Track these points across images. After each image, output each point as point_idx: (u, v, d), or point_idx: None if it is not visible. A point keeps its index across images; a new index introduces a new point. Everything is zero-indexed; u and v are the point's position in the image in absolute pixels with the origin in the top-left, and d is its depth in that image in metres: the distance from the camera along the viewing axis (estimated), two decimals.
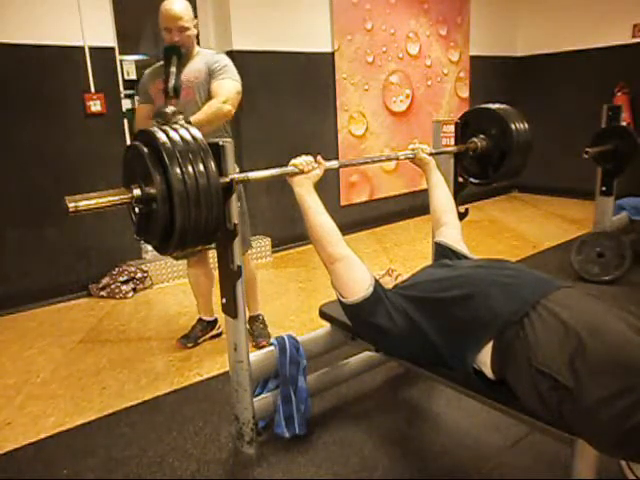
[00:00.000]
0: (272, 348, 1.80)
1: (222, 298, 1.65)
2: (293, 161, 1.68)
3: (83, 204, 1.29)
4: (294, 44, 4.14)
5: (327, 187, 4.45)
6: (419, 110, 5.21)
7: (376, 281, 1.57)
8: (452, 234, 1.89)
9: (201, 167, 1.35)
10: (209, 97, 2.29)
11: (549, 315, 1.24)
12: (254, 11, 3.88)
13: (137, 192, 1.35)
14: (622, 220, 3.42)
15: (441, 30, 5.24)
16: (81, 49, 3.23)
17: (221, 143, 1.48)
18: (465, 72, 5.59)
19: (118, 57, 3.45)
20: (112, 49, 3.38)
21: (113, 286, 3.38)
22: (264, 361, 1.77)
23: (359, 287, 1.54)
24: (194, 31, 2.33)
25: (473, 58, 5.60)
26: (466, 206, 2.21)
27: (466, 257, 1.80)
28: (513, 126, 2.17)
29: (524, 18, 5.96)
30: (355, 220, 4.76)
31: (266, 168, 1.68)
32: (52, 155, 3.23)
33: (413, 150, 2.05)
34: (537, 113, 5.23)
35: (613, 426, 1.06)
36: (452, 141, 2.25)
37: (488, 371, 1.35)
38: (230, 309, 1.63)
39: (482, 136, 2.24)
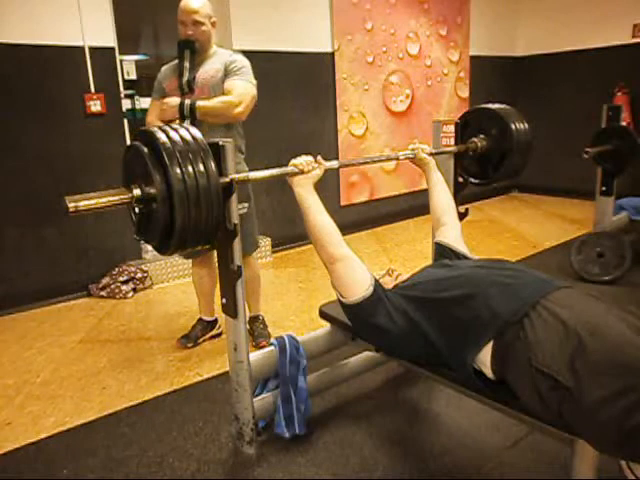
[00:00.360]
0: (272, 348, 1.80)
1: (222, 298, 1.65)
2: (293, 161, 1.68)
3: (83, 204, 1.29)
4: (294, 44, 4.14)
5: (327, 187, 4.45)
6: (419, 110, 5.21)
7: (376, 281, 1.58)
8: (452, 234, 1.88)
9: (201, 167, 1.35)
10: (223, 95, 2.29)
11: (549, 315, 1.24)
12: (254, 11, 3.88)
13: (137, 192, 1.35)
14: (622, 220, 3.42)
15: (441, 30, 5.24)
16: (81, 49, 3.23)
17: (221, 143, 1.48)
18: (465, 72, 5.59)
19: (118, 57, 3.45)
20: (112, 49, 3.38)
21: (113, 286, 3.38)
22: (264, 361, 1.77)
23: (359, 287, 1.54)
24: (210, 28, 2.33)
25: (473, 58, 5.60)
26: (466, 206, 2.22)
27: (466, 257, 1.80)
28: (513, 126, 2.17)
29: (524, 18, 5.96)
30: (355, 220, 4.76)
31: (266, 168, 1.68)
32: (52, 155, 3.23)
33: (413, 150, 2.05)
34: (537, 113, 5.24)
35: (613, 426, 1.06)
36: (452, 141, 2.25)
37: (488, 371, 1.35)
38: (230, 309, 1.63)
39: (482, 136, 2.24)
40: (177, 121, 2.19)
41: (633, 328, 1.16)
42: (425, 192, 2.10)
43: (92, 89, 3.28)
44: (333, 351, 1.97)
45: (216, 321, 2.70)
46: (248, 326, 2.44)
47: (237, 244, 1.57)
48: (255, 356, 1.75)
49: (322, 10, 4.29)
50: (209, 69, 2.32)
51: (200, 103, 2.17)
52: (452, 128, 2.25)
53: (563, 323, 1.20)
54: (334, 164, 1.84)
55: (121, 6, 3.44)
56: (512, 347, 1.27)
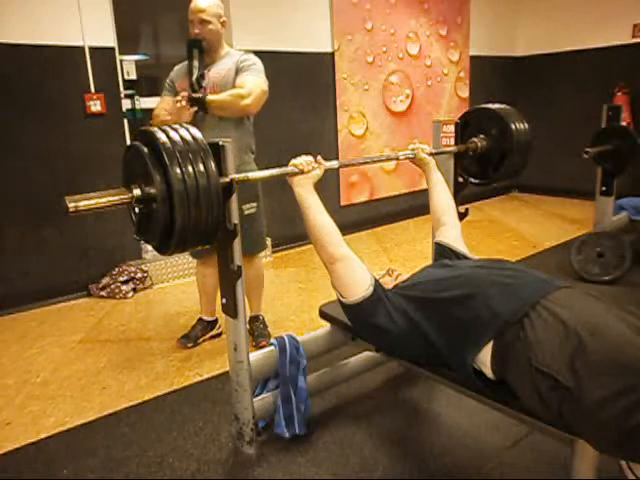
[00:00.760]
0: (272, 348, 1.80)
1: (222, 298, 1.65)
2: (293, 161, 1.68)
3: (83, 204, 1.29)
4: (294, 44, 4.14)
5: (327, 187, 4.45)
6: (419, 110, 5.21)
7: (376, 281, 1.58)
8: (452, 234, 1.88)
9: (201, 167, 1.35)
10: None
11: (549, 315, 1.24)
12: (254, 11, 3.88)
13: (137, 192, 1.35)
14: (622, 220, 3.42)
15: (441, 30, 5.24)
16: (81, 49, 3.23)
17: (221, 143, 1.48)
18: (465, 72, 5.59)
19: (118, 57, 3.45)
20: (112, 49, 3.38)
21: (113, 286, 3.38)
22: (264, 361, 1.77)
23: (359, 287, 1.54)
24: (219, 27, 2.34)
25: (473, 58, 5.60)
26: (466, 206, 2.22)
27: (466, 257, 1.80)
28: (513, 126, 2.17)
29: (524, 18, 5.96)
30: (355, 220, 4.76)
31: (266, 168, 1.68)
32: (52, 155, 3.23)
33: (413, 150, 2.05)
34: (537, 113, 5.24)
35: (613, 426, 1.06)
36: (452, 141, 2.25)
37: (488, 371, 1.35)
38: (230, 309, 1.63)
39: (482, 136, 2.24)
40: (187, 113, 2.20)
41: (633, 328, 1.16)
42: (425, 192, 2.10)
43: (92, 89, 3.28)
44: (333, 351, 1.97)
45: (216, 321, 2.70)
46: (248, 326, 2.44)
47: (237, 244, 1.57)
48: (255, 356, 1.75)
49: (322, 10, 4.29)
50: (221, 69, 2.34)
51: (210, 97, 2.18)
52: (452, 128, 2.25)
53: (563, 323, 1.20)
54: (334, 164, 1.84)
55: (121, 6, 3.44)
56: (512, 347, 1.27)
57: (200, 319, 2.68)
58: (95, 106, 3.29)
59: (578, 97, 5.46)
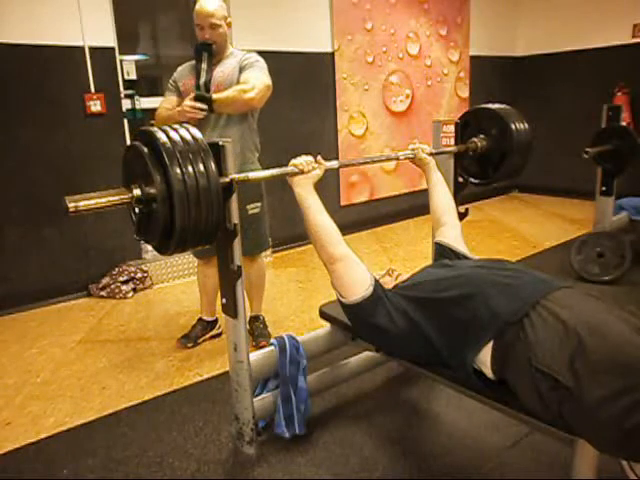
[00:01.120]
0: (272, 348, 1.80)
1: (222, 298, 1.65)
2: (293, 161, 1.68)
3: (83, 204, 1.29)
4: (294, 44, 4.14)
5: (327, 187, 4.45)
6: (419, 110, 5.21)
7: (376, 281, 1.58)
8: (452, 234, 1.88)
9: (201, 167, 1.35)
10: None
11: (549, 315, 1.24)
12: (254, 11, 3.88)
13: (137, 192, 1.36)
14: (622, 220, 3.42)
15: (441, 30, 5.23)
16: (81, 49, 3.23)
17: (221, 143, 1.48)
18: (465, 72, 5.59)
19: (118, 57, 3.45)
20: (112, 49, 3.38)
21: (113, 286, 3.38)
22: (264, 361, 1.77)
23: (359, 287, 1.54)
24: (226, 29, 2.35)
25: (473, 58, 5.60)
26: (466, 206, 2.22)
27: (466, 257, 1.80)
28: (513, 126, 2.17)
29: (524, 18, 5.96)
30: (355, 220, 4.76)
31: (266, 168, 1.68)
32: (52, 155, 3.23)
33: (413, 150, 2.05)
34: (537, 113, 5.24)
35: (613, 425, 1.06)
36: (452, 141, 2.25)
37: (488, 371, 1.35)
38: (230, 309, 1.63)
39: (482, 136, 2.24)
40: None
41: (633, 328, 1.16)
42: (425, 192, 2.10)
43: (92, 89, 3.28)
44: (333, 351, 1.97)
45: (216, 321, 2.70)
46: (248, 326, 2.44)
47: (237, 244, 1.58)
48: (255, 356, 1.75)
49: (322, 10, 4.29)
50: (225, 69, 2.34)
51: (215, 96, 2.18)
52: (452, 128, 2.25)
53: (563, 323, 1.20)
54: (334, 164, 1.84)
55: (121, 6, 3.44)
56: (512, 347, 1.27)
57: (200, 319, 2.68)
58: (95, 106, 3.29)
59: (578, 97, 5.46)
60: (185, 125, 1.44)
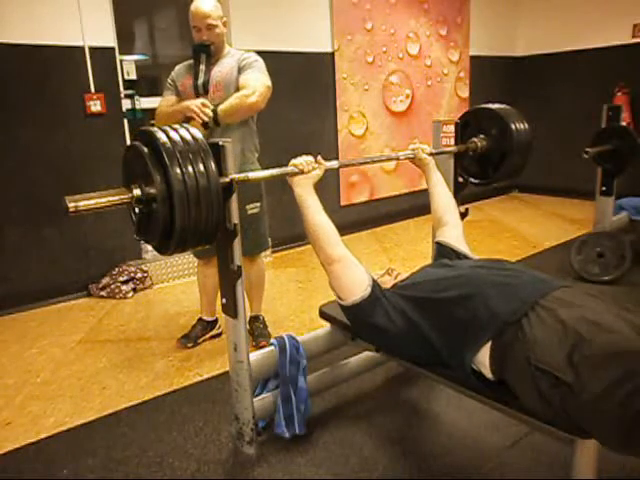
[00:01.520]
0: (272, 348, 1.80)
1: (222, 298, 1.65)
2: (293, 161, 1.68)
3: (83, 204, 1.29)
4: (294, 44, 4.14)
5: (327, 187, 4.45)
6: (419, 110, 5.21)
7: (374, 281, 1.58)
8: (454, 234, 1.89)
9: (201, 167, 1.35)
10: (237, 91, 2.29)
11: (548, 315, 1.25)
12: (254, 11, 3.88)
13: (137, 192, 1.36)
14: (622, 220, 3.42)
15: (441, 30, 5.23)
16: (81, 49, 3.23)
17: (221, 143, 1.48)
18: (465, 72, 5.59)
19: (118, 57, 3.45)
20: (112, 49, 3.38)
21: (113, 286, 3.38)
22: (264, 361, 1.77)
23: (357, 288, 1.55)
24: (223, 29, 2.34)
25: (473, 58, 5.60)
26: (466, 206, 2.22)
27: (467, 257, 1.80)
28: (513, 126, 2.17)
29: (524, 18, 5.96)
30: (355, 220, 4.76)
31: (266, 168, 1.68)
32: (52, 155, 3.23)
33: (413, 150, 2.05)
34: (537, 113, 5.24)
35: (617, 415, 1.06)
36: (452, 141, 2.25)
37: (487, 372, 1.35)
38: (230, 309, 1.63)
39: (482, 136, 2.24)
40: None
41: (631, 326, 1.17)
42: (425, 192, 2.10)
43: (92, 89, 3.28)
44: (333, 351, 1.97)
45: (216, 321, 2.70)
46: (248, 326, 2.44)
47: (237, 244, 1.58)
48: (255, 356, 1.75)
49: (322, 10, 4.29)
50: (222, 68, 2.34)
51: (219, 108, 2.17)
52: (452, 128, 2.25)
53: (562, 322, 1.21)
54: (334, 164, 1.84)
55: (121, 6, 3.44)
56: (510, 347, 1.28)
57: (200, 319, 2.68)
58: (95, 106, 3.29)
59: (578, 97, 5.46)
60: (185, 125, 1.44)
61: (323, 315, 1.99)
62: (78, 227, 3.32)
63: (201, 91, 2.29)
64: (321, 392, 1.99)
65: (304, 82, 4.29)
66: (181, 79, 2.41)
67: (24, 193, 3.17)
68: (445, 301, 1.44)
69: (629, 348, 1.11)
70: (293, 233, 4.14)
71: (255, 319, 2.66)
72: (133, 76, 3.62)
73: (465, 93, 5.64)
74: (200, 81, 2.28)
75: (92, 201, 1.31)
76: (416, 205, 5.01)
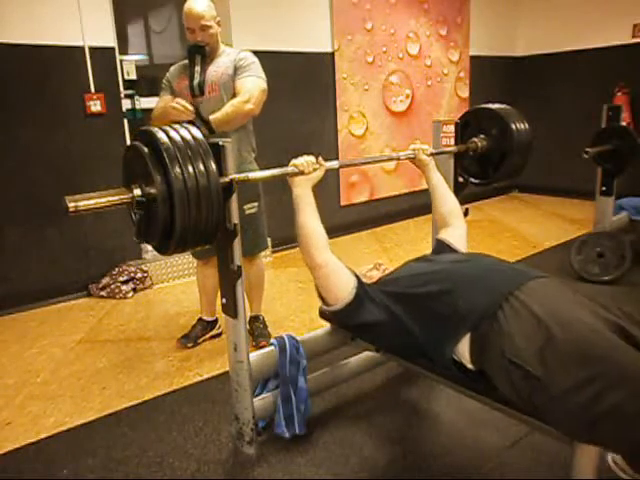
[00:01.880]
0: (272, 348, 1.80)
1: (222, 298, 1.65)
2: (294, 161, 1.68)
3: (83, 204, 1.29)
4: (294, 44, 4.14)
5: (327, 187, 4.44)
6: (419, 110, 5.21)
7: (358, 281, 1.60)
8: (456, 234, 1.91)
9: (201, 167, 1.35)
10: (234, 94, 2.29)
11: (521, 307, 1.29)
12: (254, 11, 3.88)
13: (137, 192, 1.36)
14: (622, 220, 3.42)
15: (441, 30, 5.23)
16: (81, 49, 3.23)
17: (221, 143, 1.48)
18: (465, 72, 5.59)
19: (118, 57, 3.45)
20: (112, 49, 3.38)
21: (113, 286, 3.38)
22: (264, 361, 1.77)
23: (342, 293, 1.57)
24: (217, 29, 2.33)
25: (473, 58, 5.60)
26: (466, 206, 2.21)
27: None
28: (513, 126, 2.17)
29: (524, 18, 5.96)
30: (355, 220, 4.75)
31: (266, 168, 1.68)
32: (52, 155, 3.23)
33: (414, 150, 2.05)
34: (537, 113, 5.24)
35: (581, 413, 1.10)
36: (452, 141, 2.25)
37: (467, 362, 1.39)
38: (230, 309, 1.63)
39: (482, 136, 2.24)
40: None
41: (601, 319, 1.21)
42: (425, 192, 2.10)
43: (92, 89, 3.28)
44: (333, 351, 1.97)
45: (216, 321, 2.70)
46: (248, 326, 2.44)
47: (237, 244, 1.58)
48: (255, 356, 1.75)
49: (322, 10, 4.29)
50: (218, 68, 2.33)
51: (212, 117, 2.16)
52: (452, 128, 2.25)
53: (534, 315, 1.25)
54: (334, 164, 1.84)
55: (121, 6, 3.44)
56: (487, 339, 1.32)
57: (200, 319, 2.68)
58: (95, 106, 3.29)
59: (578, 97, 5.46)
60: (185, 125, 1.44)
61: (323, 315, 1.98)
62: (78, 227, 3.32)
63: (197, 92, 2.27)
64: (321, 392, 1.99)
65: (304, 82, 4.29)
66: (176, 80, 2.40)
67: (24, 193, 3.17)
68: (424, 295, 1.48)
69: (598, 348, 1.14)
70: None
71: (255, 319, 2.66)
72: (133, 76, 3.62)
73: (465, 93, 5.64)
74: (195, 82, 2.27)
75: (92, 201, 1.31)
76: (416, 205, 5.01)
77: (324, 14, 4.31)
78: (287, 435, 1.76)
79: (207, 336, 2.67)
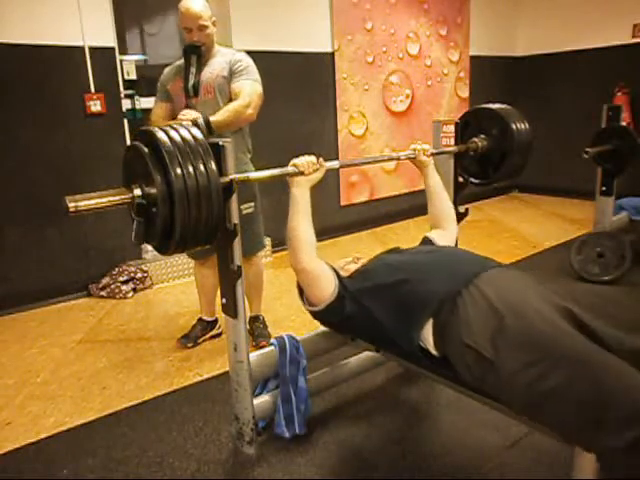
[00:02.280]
0: (272, 348, 1.80)
1: (222, 298, 1.65)
2: (294, 161, 1.68)
3: (83, 204, 1.29)
4: (294, 44, 4.14)
5: (327, 187, 4.45)
6: (419, 110, 5.21)
7: (339, 279, 1.64)
8: (446, 235, 1.97)
9: (201, 167, 1.35)
10: (230, 97, 2.29)
11: (478, 294, 1.38)
12: (254, 11, 3.88)
13: (137, 192, 1.36)
14: (622, 220, 3.41)
15: (441, 30, 5.23)
16: (81, 49, 3.23)
17: (221, 143, 1.48)
18: (465, 72, 5.59)
19: (118, 57, 3.45)
20: (112, 49, 3.38)
21: (113, 286, 3.38)
22: (264, 361, 1.77)
23: (325, 294, 1.62)
24: (213, 29, 2.32)
25: (473, 58, 5.60)
26: (466, 206, 2.22)
27: None
28: (514, 126, 2.17)
29: (524, 18, 5.96)
30: (355, 220, 4.75)
31: (266, 168, 1.68)
32: (52, 155, 3.23)
33: (414, 150, 2.05)
34: (537, 113, 5.23)
35: (526, 392, 1.20)
36: (452, 141, 2.25)
37: (432, 348, 1.45)
38: (230, 309, 1.63)
39: (482, 136, 2.24)
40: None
41: (554, 306, 1.30)
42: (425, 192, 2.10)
43: (92, 89, 3.28)
44: (333, 351, 1.97)
45: (216, 321, 2.70)
46: (248, 326, 2.44)
47: (237, 244, 1.58)
48: (255, 356, 1.75)
49: (322, 10, 4.29)
50: (213, 69, 2.32)
51: (213, 118, 2.16)
52: (452, 128, 2.25)
53: (489, 302, 1.34)
54: (334, 164, 1.84)
55: (121, 6, 3.44)
56: (447, 324, 1.40)
57: (200, 319, 2.68)
58: (95, 106, 3.29)
59: (578, 97, 5.46)
60: (185, 125, 1.44)
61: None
62: (78, 227, 3.32)
63: (191, 93, 2.27)
64: (321, 392, 1.99)
65: (304, 82, 4.29)
66: (170, 83, 2.39)
67: (24, 193, 3.17)
68: (391, 285, 1.55)
69: (544, 333, 1.22)
70: None
71: (255, 319, 2.66)
72: (133, 76, 3.62)
73: (465, 93, 5.64)
74: (190, 83, 2.26)
75: (92, 201, 1.31)
76: (416, 205, 5.00)
77: (324, 14, 4.31)
78: (287, 435, 1.76)
79: (207, 336, 2.67)
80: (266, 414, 1.80)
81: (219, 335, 2.70)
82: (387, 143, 4.98)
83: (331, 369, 2.00)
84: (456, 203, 2.25)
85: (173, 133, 1.37)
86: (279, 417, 1.76)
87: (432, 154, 2.08)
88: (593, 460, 1.24)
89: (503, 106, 2.29)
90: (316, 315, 1.70)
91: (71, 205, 1.27)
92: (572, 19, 5.50)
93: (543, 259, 3.81)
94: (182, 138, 1.37)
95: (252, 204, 2.42)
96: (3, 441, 1.90)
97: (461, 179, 2.32)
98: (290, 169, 1.66)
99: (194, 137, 1.39)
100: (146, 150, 1.34)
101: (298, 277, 1.69)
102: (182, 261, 3.64)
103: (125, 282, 3.41)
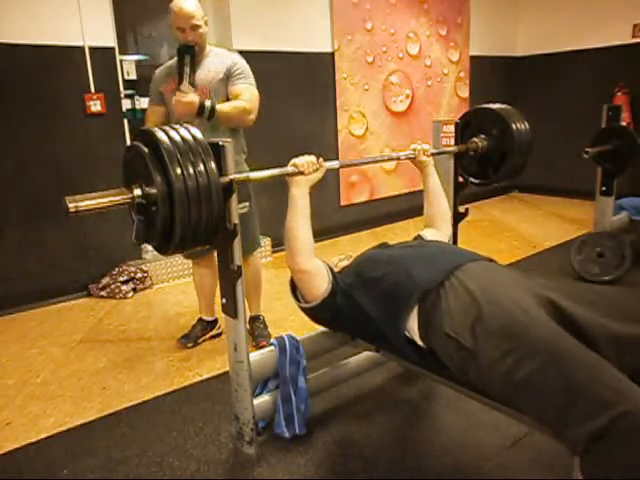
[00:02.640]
0: (272, 348, 1.80)
1: (222, 298, 1.65)
2: (294, 160, 1.68)
3: (83, 204, 1.29)
4: (294, 44, 4.14)
5: (327, 187, 4.44)
6: (419, 110, 5.21)
7: (333, 276, 1.65)
8: (438, 235, 1.98)
9: (201, 167, 1.35)
10: (225, 99, 2.29)
11: (460, 285, 1.41)
12: (254, 11, 3.88)
13: (137, 192, 1.36)
14: (622, 220, 3.41)
15: (441, 30, 5.23)
16: (81, 49, 3.23)
17: (221, 143, 1.48)
18: (465, 72, 5.59)
19: (118, 57, 3.45)
20: (112, 49, 3.38)
21: (113, 286, 3.38)
22: (264, 361, 1.77)
23: (319, 292, 1.63)
24: (206, 29, 2.32)
25: (473, 58, 5.60)
26: (466, 206, 2.22)
27: None
28: (514, 126, 2.17)
29: (524, 18, 5.96)
30: (355, 220, 4.75)
31: (266, 168, 1.68)
32: (52, 155, 3.23)
33: (415, 150, 2.05)
34: (537, 113, 5.22)
35: (503, 379, 1.23)
36: (452, 141, 2.25)
37: (418, 339, 1.47)
38: (230, 309, 1.63)
39: (482, 136, 2.24)
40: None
41: (536, 297, 1.32)
42: None
43: (92, 89, 3.28)
44: (333, 351, 1.97)
45: (216, 321, 2.70)
46: (248, 326, 2.44)
47: (237, 244, 1.58)
48: (255, 356, 1.75)
49: (322, 10, 4.29)
50: (209, 70, 2.31)
51: (219, 107, 2.16)
52: (452, 128, 2.25)
53: (469, 292, 1.37)
54: (334, 164, 1.84)
55: (121, 6, 3.44)
56: (431, 314, 1.42)
57: (200, 319, 2.68)
58: (95, 106, 3.29)
59: (578, 97, 5.46)
60: (185, 125, 1.44)
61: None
62: (78, 227, 3.32)
63: None
64: (321, 392, 1.99)
65: (304, 82, 4.29)
66: (163, 84, 2.37)
67: (24, 193, 3.17)
68: (376, 278, 1.58)
69: (520, 323, 1.24)
70: None
71: (255, 319, 2.66)
72: (133, 76, 3.62)
73: (465, 93, 5.64)
74: (185, 83, 2.25)
75: (92, 201, 1.31)
76: (416, 205, 4.93)
77: (324, 14, 4.31)
78: (287, 435, 1.76)
79: (207, 336, 2.67)
80: (266, 414, 1.80)
81: (219, 335, 2.70)
82: (387, 143, 4.98)
83: (331, 369, 2.00)
84: (456, 203, 2.26)
85: (173, 133, 1.37)
86: (279, 417, 1.76)
87: (432, 154, 2.08)
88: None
89: (503, 106, 2.29)
90: (309, 311, 1.71)
91: (71, 205, 1.27)
92: (572, 19, 5.50)
93: (543, 259, 3.81)
94: (182, 138, 1.37)
95: (247, 204, 2.42)
96: (3, 441, 1.90)
97: (461, 179, 2.32)
98: (290, 169, 1.66)
99: (194, 137, 1.39)
100: (146, 150, 1.34)
101: (294, 277, 1.70)
102: (182, 261, 3.64)
103: (125, 282, 3.41)
